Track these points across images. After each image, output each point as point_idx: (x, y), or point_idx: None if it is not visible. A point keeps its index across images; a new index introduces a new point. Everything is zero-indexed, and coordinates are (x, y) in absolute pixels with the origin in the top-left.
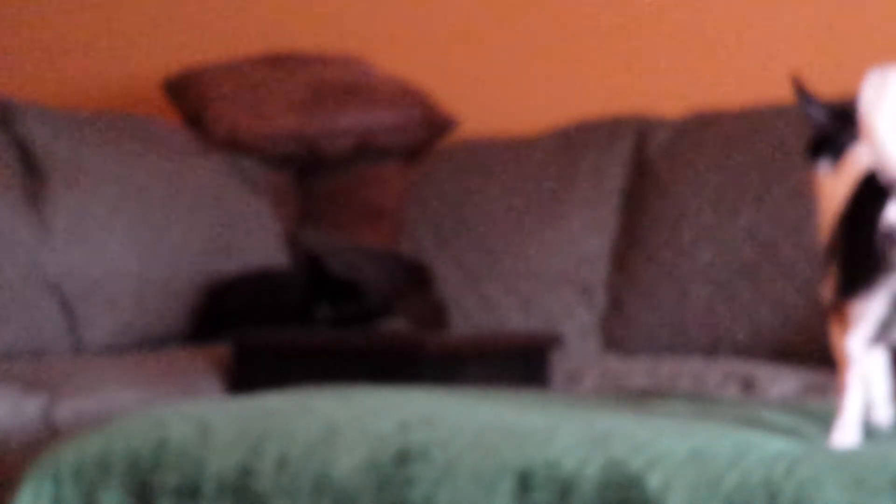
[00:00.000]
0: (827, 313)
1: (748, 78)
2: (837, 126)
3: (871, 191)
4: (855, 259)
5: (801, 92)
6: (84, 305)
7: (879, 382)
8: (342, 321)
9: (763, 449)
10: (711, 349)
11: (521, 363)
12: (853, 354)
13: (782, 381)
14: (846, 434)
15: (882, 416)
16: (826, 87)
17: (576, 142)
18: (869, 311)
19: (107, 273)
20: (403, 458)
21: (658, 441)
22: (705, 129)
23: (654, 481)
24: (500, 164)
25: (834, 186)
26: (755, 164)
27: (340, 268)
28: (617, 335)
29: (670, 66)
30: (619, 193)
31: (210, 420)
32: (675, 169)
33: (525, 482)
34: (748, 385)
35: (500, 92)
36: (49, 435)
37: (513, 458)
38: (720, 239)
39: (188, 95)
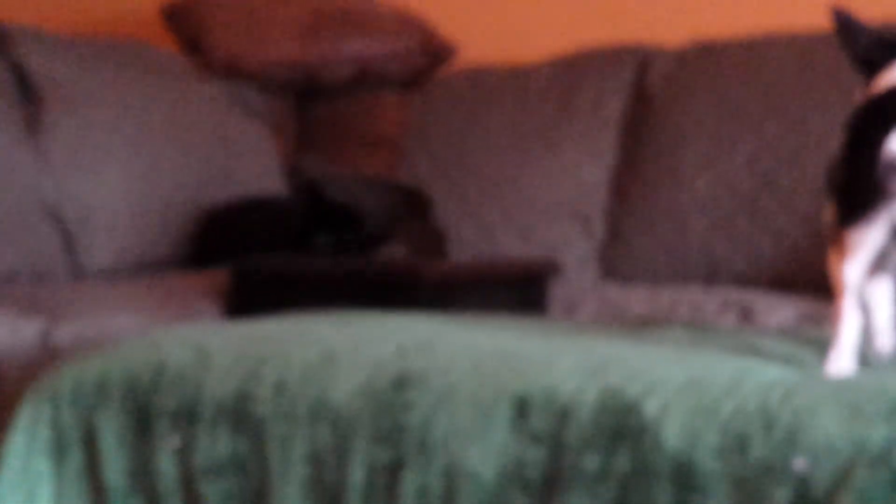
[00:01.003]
0: (825, 241)
1: (749, 8)
2: (879, 48)
3: (872, 120)
4: (855, 188)
5: (844, 16)
6: (82, 230)
7: (882, 311)
8: (341, 248)
9: (760, 377)
10: (710, 278)
11: (520, 291)
12: (849, 282)
13: (780, 310)
14: (840, 362)
15: (884, 344)
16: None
17: (575, 71)
18: (867, 239)
19: (105, 198)
20: (401, 383)
21: (655, 368)
22: (706, 58)
23: (650, 408)
24: (500, 93)
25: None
26: (755, 95)
27: (339, 195)
28: (615, 264)
29: None
30: (619, 123)
31: (208, 345)
32: (675, 99)
33: (523, 408)
34: (746, 314)
35: (500, 20)
36: (47, 358)
37: (511, 385)
38: (719, 169)
39: (187, 22)
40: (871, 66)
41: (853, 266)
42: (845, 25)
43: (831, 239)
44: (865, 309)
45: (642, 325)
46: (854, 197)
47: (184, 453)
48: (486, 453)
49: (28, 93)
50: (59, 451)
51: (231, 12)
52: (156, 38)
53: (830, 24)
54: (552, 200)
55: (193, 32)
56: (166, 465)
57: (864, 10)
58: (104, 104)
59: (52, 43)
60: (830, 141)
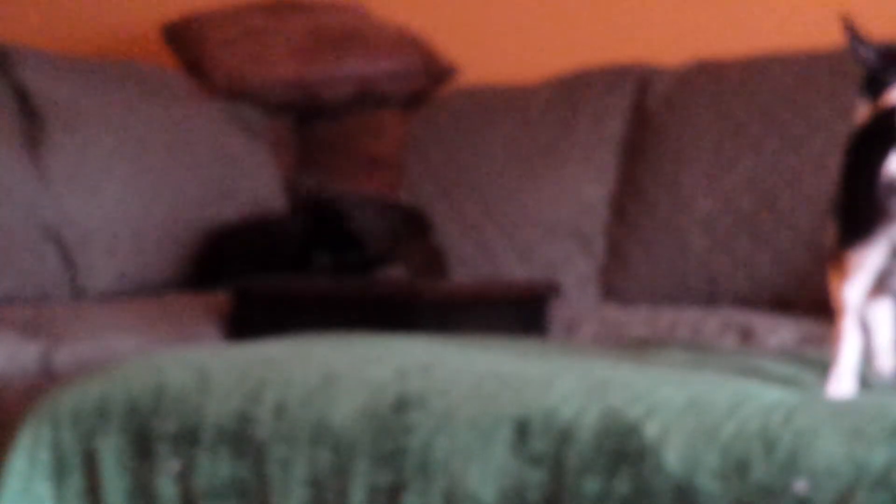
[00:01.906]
0: (826, 263)
1: (749, 27)
2: (886, 66)
3: (872, 140)
4: (855, 208)
5: (852, 32)
6: (83, 252)
7: (883, 332)
8: (341, 269)
9: (760, 398)
10: (710, 299)
11: (520, 312)
12: (849, 303)
13: (781, 331)
14: (841, 384)
15: (885, 365)
16: (827, 35)
17: (576, 90)
18: (867, 260)
19: (106, 219)
20: (402, 405)
21: (656, 390)
22: (706, 78)
23: (651, 430)
24: (500, 113)
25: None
26: (755, 114)
27: (339, 215)
28: (616, 284)
29: (671, 14)
30: (619, 142)
31: (209, 366)
32: (676, 118)
33: (523, 430)
34: (746, 335)
35: (500, 39)
36: (48, 381)
37: (511, 407)
38: (719, 189)
39: (187, 42)
40: (875, 85)
41: (853, 287)
42: (851, 40)
43: (832, 259)
44: (866, 330)
45: (642, 346)
46: (854, 218)
47: (184, 476)
48: (486, 475)
49: (29, 113)
50: (59, 474)
51: (231, 32)
52: (157, 58)
53: (842, 34)
54: (552, 220)
55: (194, 52)
56: (167, 488)
57: (873, 26)
58: (105, 124)
59: (53, 63)
60: (830, 160)
